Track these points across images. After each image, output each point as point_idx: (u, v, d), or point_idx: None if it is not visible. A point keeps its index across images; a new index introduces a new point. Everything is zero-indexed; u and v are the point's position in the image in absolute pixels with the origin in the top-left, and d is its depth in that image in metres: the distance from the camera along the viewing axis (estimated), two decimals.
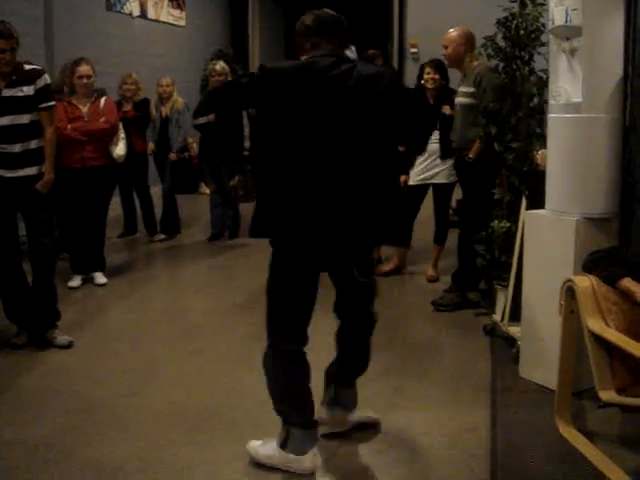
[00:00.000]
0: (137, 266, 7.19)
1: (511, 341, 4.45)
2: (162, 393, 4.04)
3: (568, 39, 3.89)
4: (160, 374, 4.32)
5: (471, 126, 5.28)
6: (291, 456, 3.16)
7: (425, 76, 6.10)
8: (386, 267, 6.53)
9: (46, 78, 4.70)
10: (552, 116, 3.99)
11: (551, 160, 3.97)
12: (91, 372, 4.36)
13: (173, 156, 7.87)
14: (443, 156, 6.02)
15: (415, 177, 6.18)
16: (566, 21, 3.79)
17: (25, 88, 4.57)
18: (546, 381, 3.87)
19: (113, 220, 7.23)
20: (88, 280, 6.28)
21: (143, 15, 11.05)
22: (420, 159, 6.14)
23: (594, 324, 3.10)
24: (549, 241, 3.91)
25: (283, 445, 3.18)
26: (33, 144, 4.66)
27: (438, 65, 6.07)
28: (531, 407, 3.77)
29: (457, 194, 6.34)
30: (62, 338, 4.77)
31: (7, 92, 4.53)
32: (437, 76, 6.03)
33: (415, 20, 12.35)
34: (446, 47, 5.51)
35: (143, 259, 7.59)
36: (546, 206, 3.99)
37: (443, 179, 6.11)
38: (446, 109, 5.94)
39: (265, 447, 3.25)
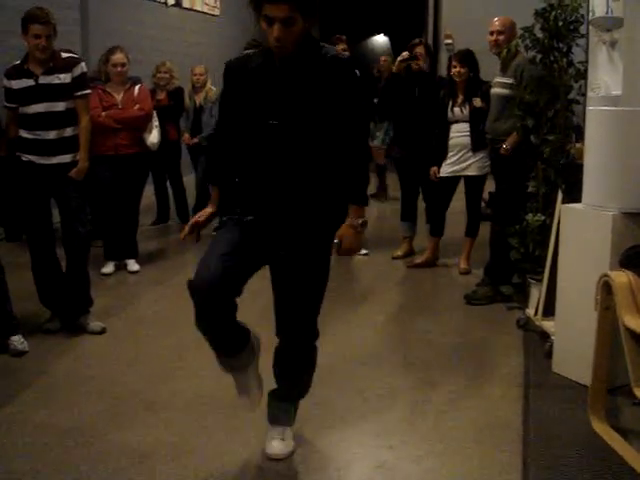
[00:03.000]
0: (169, 254, 7.23)
1: (544, 336, 4.41)
2: (192, 380, 4.06)
3: (609, 30, 3.84)
4: (192, 361, 4.33)
5: (507, 117, 5.23)
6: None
7: (452, 69, 6.05)
8: (418, 259, 6.51)
9: (83, 66, 4.72)
10: (591, 109, 3.94)
11: (589, 153, 3.92)
12: (123, 358, 4.40)
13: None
14: (475, 148, 5.98)
15: (446, 169, 6.14)
16: (607, 12, 3.74)
17: (62, 75, 4.60)
18: (580, 377, 3.83)
19: (146, 208, 7.27)
20: (121, 267, 6.33)
21: (178, 4, 11.09)
22: (451, 152, 6.10)
23: (630, 320, 3.07)
24: (585, 235, 3.85)
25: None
26: (68, 131, 4.68)
27: (465, 57, 6.01)
28: (564, 402, 3.73)
29: (489, 186, 6.30)
30: (95, 324, 4.81)
31: (44, 79, 4.57)
32: (463, 69, 5.97)
33: (450, 11, 12.28)
34: (500, 32, 5.45)
35: (175, 247, 7.61)
36: (583, 200, 3.94)
37: (475, 171, 6.06)
38: (477, 101, 5.89)
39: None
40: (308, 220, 2.97)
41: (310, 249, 2.98)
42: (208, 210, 3.13)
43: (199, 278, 2.88)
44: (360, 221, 2.94)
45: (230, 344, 3.08)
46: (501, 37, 5.44)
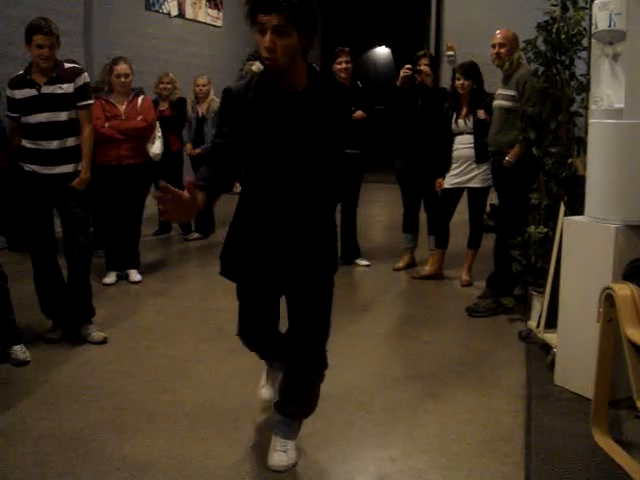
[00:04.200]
0: (171, 264, 7.23)
1: (546, 348, 4.40)
2: (194, 391, 4.05)
3: (611, 44, 3.84)
4: (193, 372, 4.33)
5: (510, 129, 5.25)
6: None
7: (456, 82, 6.08)
8: (424, 271, 6.50)
9: (85, 77, 4.74)
10: (593, 121, 3.94)
11: (592, 166, 3.92)
12: (124, 369, 4.39)
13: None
14: (478, 160, 5.99)
15: (450, 181, 6.15)
16: (610, 25, 3.74)
17: (64, 86, 4.61)
18: (582, 389, 3.82)
19: (148, 218, 7.27)
20: (123, 277, 6.34)
21: (181, 15, 11.13)
22: (455, 164, 6.12)
23: (633, 333, 3.07)
24: (588, 248, 3.85)
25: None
26: (70, 142, 4.69)
27: (468, 70, 6.02)
28: (566, 415, 3.72)
29: (490, 198, 6.31)
30: (96, 334, 4.80)
31: (46, 89, 4.58)
32: (467, 82, 5.99)
33: (452, 23, 12.31)
34: (502, 45, 5.46)
35: (177, 257, 7.63)
36: (585, 212, 3.94)
37: (478, 183, 6.07)
38: (480, 113, 5.90)
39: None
40: (315, 239, 3.01)
41: (318, 269, 3.03)
42: (196, 200, 2.64)
43: (246, 339, 3.36)
44: None
45: (274, 356, 3.48)
46: (503, 50, 5.46)
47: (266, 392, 3.63)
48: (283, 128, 2.85)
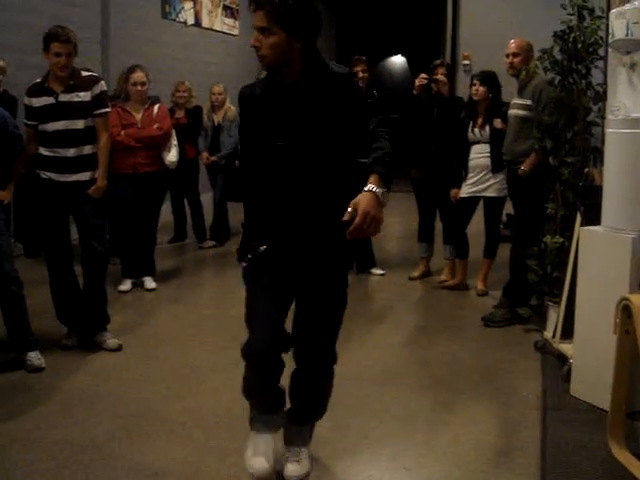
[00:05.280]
0: (186, 272, 7.25)
1: (562, 359, 4.37)
2: (209, 399, 4.05)
3: (628, 53, 3.81)
4: (207, 379, 4.33)
5: (525, 139, 5.23)
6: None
7: (472, 88, 6.07)
8: (450, 282, 6.47)
9: (102, 85, 4.76)
10: (610, 131, 3.92)
11: (608, 176, 3.90)
12: (139, 376, 4.39)
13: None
14: (494, 170, 5.96)
15: (466, 190, 6.13)
16: (627, 34, 3.72)
17: (82, 94, 4.63)
18: (598, 401, 3.79)
19: (163, 226, 7.29)
20: (138, 284, 6.36)
21: (197, 24, 11.18)
22: (472, 173, 6.10)
23: None
24: (604, 258, 3.83)
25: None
26: (87, 149, 4.71)
27: (486, 77, 6.01)
28: (582, 427, 3.69)
29: (507, 208, 6.29)
30: (111, 341, 4.81)
31: (64, 97, 4.60)
32: (482, 88, 5.97)
33: (468, 32, 12.32)
34: (516, 55, 5.46)
35: (192, 265, 7.64)
36: (602, 222, 3.91)
37: (494, 193, 6.04)
38: (497, 122, 5.88)
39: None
40: (326, 237, 2.97)
41: (330, 268, 3.00)
42: None
43: (253, 345, 3.01)
44: (380, 190, 2.64)
45: (273, 400, 3.20)
46: (517, 59, 5.45)
47: (261, 461, 3.16)
48: (273, 124, 2.88)
